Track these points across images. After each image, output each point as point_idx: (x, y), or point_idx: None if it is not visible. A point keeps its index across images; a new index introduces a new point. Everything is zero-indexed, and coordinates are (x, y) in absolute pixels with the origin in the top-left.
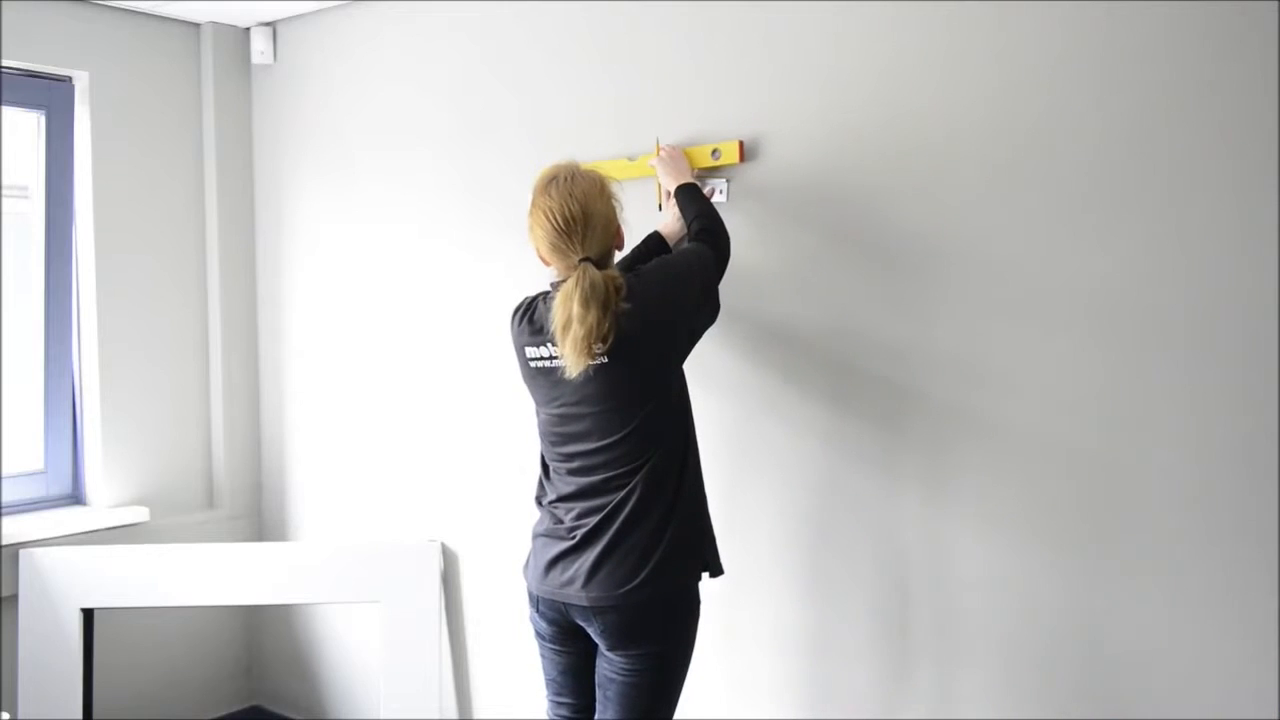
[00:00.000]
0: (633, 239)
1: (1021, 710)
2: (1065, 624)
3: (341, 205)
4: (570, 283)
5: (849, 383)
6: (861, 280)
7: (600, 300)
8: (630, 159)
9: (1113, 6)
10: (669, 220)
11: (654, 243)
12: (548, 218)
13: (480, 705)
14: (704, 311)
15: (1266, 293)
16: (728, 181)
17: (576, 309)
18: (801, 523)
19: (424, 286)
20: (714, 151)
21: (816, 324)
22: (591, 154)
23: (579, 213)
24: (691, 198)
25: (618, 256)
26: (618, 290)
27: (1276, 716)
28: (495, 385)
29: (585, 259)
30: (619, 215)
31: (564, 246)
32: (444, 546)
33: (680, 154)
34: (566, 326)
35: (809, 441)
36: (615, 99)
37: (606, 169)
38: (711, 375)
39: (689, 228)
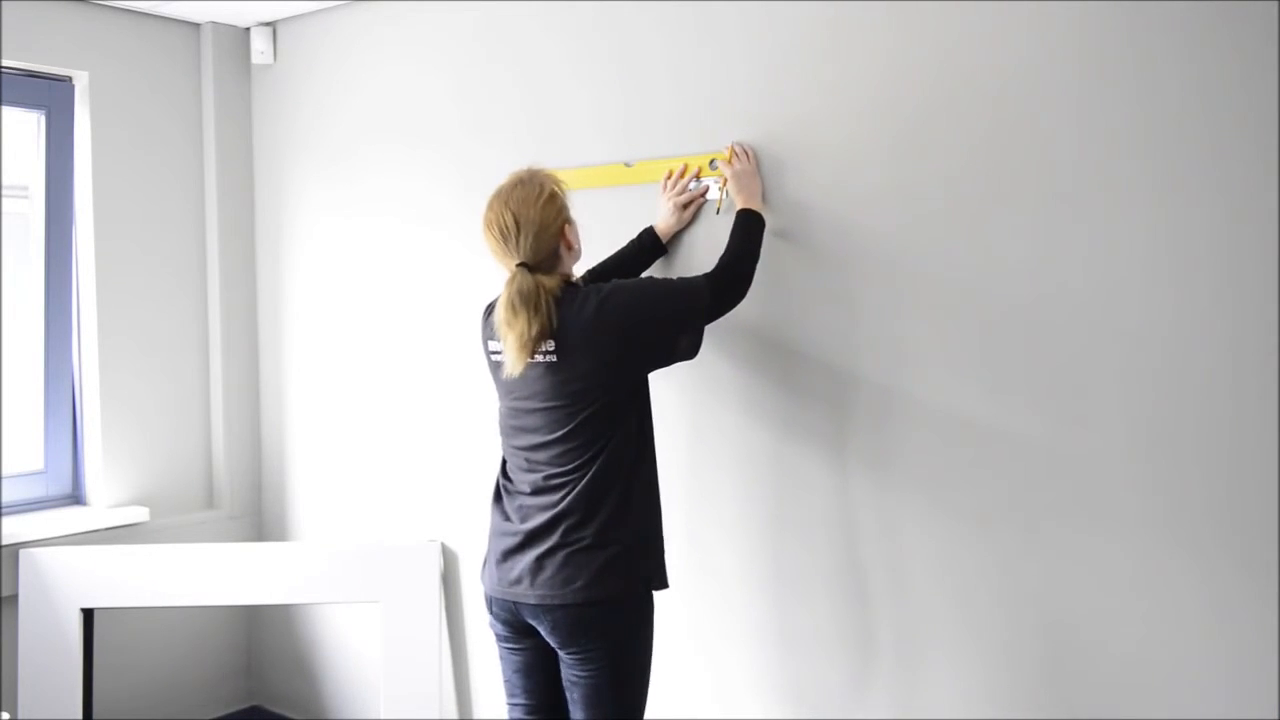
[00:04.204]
0: (614, 249)
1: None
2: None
3: (342, 205)
4: (503, 287)
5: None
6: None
7: (529, 304)
8: (627, 164)
9: (1119, 12)
10: (664, 215)
11: (648, 240)
12: (488, 228)
13: (480, 705)
14: (676, 342)
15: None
16: (725, 182)
17: (505, 313)
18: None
19: (424, 286)
20: (711, 163)
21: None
22: (590, 157)
23: (511, 221)
24: (743, 230)
25: (587, 258)
26: (549, 294)
27: (1276, 717)
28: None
29: (521, 264)
30: (563, 220)
31: (503, 252)
32: (444, 546)
33: (754, 169)
34: (502, 329)
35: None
36: (614, 102)
37: (601, 175)
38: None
39: (721, 257)
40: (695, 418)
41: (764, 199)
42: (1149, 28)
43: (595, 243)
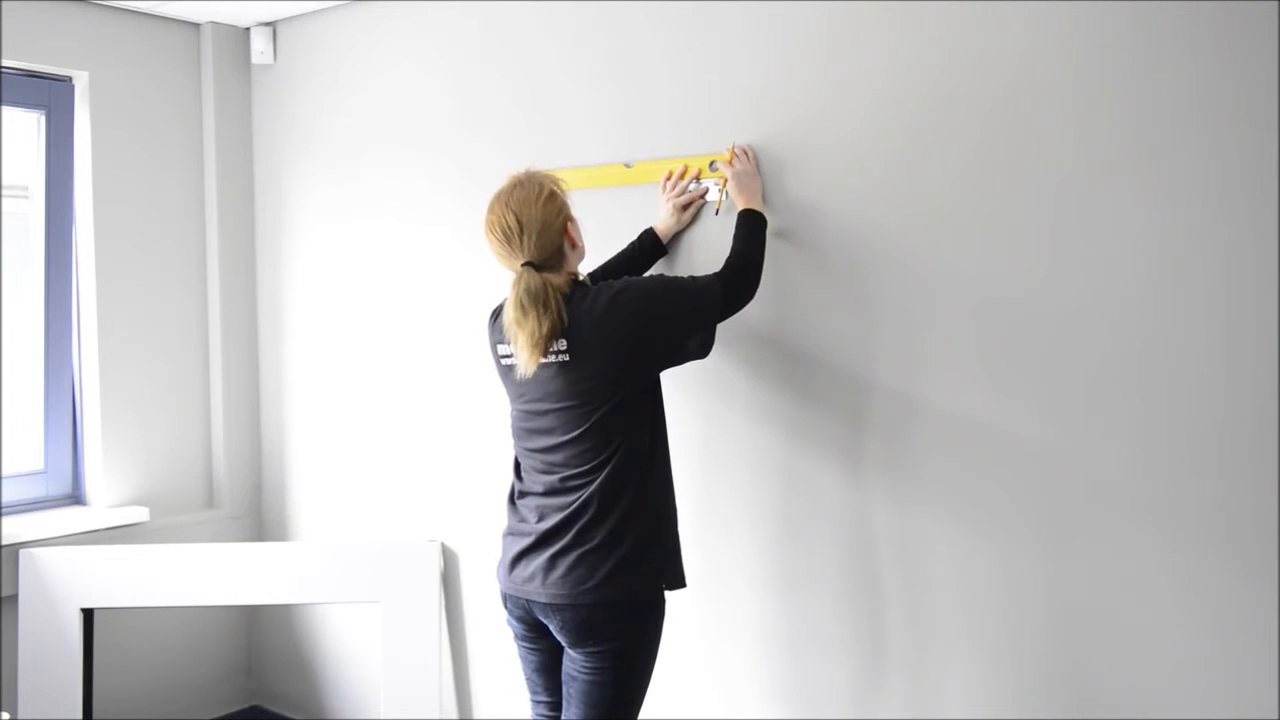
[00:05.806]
0: (614, 250)
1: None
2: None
3: (341, 204)
4: (509, 288)
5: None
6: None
7: (537, 302)
8: (627, 165)
9: (1119, 11)
10: (664, 216)
11: (648, 241)
12: (490, 231)
13: (480, 705)
14: (687, 340)
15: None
16: (724, 183)
17: (514, 313)
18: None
19: (424, 286)
20: (712, 164)
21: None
22: (590, 158)
23: (514, 222)
24: (748, 228)
25: (589, 259)
26: (558, 291)
27: (1276, 717)
28: (496, 385)
29: (527, 264)
30: (565, 217)
31: (507, 254)
32: (444, 546)
33: (754, 169)
34: (512, 329)
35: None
36: (614, 102)
37: (601, 175)
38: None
39: (728, 258)
40: (705, 421)
41: (764, 199)
42: (1149, 28)
43: (596, 244)
